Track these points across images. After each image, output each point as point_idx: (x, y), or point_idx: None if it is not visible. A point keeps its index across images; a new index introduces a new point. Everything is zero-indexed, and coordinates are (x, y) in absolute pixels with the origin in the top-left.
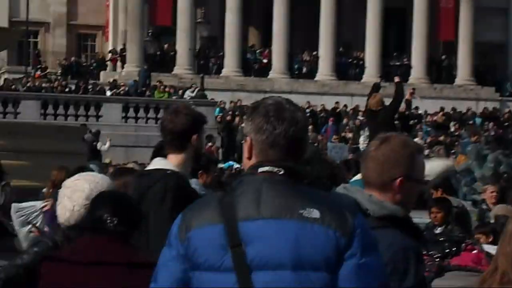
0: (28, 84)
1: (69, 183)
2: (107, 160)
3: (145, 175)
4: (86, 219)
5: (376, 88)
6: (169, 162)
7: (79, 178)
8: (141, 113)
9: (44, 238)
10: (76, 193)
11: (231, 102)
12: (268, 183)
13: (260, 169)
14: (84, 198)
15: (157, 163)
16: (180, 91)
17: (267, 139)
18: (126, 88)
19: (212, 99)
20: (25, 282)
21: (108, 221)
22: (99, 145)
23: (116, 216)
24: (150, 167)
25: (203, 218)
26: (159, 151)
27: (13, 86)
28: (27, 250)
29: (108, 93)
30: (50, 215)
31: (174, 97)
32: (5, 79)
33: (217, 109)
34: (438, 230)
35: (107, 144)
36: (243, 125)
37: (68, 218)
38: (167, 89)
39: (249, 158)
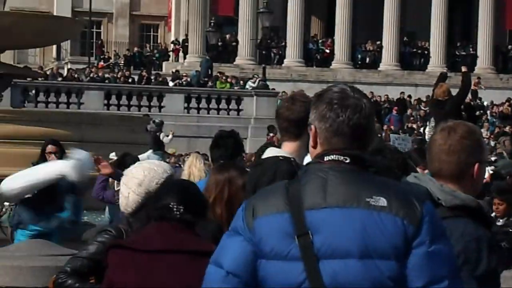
0: (91, 75)
1: (127, 170)
2: (170, 150)
3: (258, 164)
4: (152, 207)
5: (442, 77)
6: (282, 150)
7: (137, 166)
8: (203, 103)
9: (108, 227)
10: (131, 180)
11: (292, 92)
12: (334, 171)
13: (326, 158)
14: (137, 184)
15: (271, 152)
16: (242, 82)
17: (330, 127)
18: (188, 79)
19: (273, 89)
20: (91, 272)
21: (174, 209)
22: (161, 136)
23: (182, 205)
24: (264, 156)
25: (269, 206)
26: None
27: (76, 76)
28: (92, 240)
29: (171, 83)
30: (102, 185)
31: (235, 88)
32: (68, 69)
33: (279, 100)
34: (500, 222)
35: (170, 136)
36: None
37: (125, 205)
38: (228, 80)
39: (314, 147)
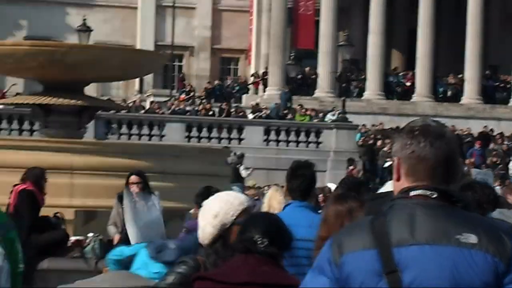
0: (172, 107)
1: (205, 202)
2: (250, 183)
3: (377, 198)
4: (236, 240)
5: None
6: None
7: (215, 197)
8: (282, 136)
9: (186, 259)
10: (207, 212)
11: (372, 125)
12: (421, 207)
13: (412, 193)
14: (213, 216)
15: (391, 186)
16: (321, 114)
17: (412, 153)
18: (268, 111)
19: (351, 122)
20: None
21: (259, 242)
22: (241, 168)
23: (266, 237)
24: (382, 189)
25: (356, 242)
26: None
27: (158, 109)
28: (171, 271)
29: (250, 116)
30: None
31: (315, 120)
32: (151, 102)
33: (358, 134)
34: None
35: (249, 171)
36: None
37: (202, 237)
38: (308, 112)
39: (398, 179)
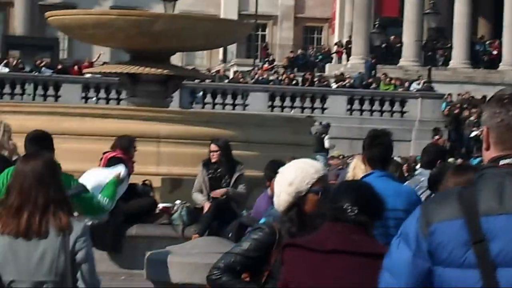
0: (256, 77)
1: (281, 169)
2: (335, 153)
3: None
4: (327, 208)
5: None
6: None
7: (290, 165)
8: (366, 105)
9: (262, 225)
10: (282, 179)
11: (458, 94)
12: (511, 176)
13: (502, 162)
14: (288, 184)
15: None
16: (406, 83)
17: (501, 121)
18: (351, 81)
19: (436, 91)
20: (244, 269)
21: (349, 210)
22: (325, 138)
23: (357, 206)
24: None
25: (443, 212)
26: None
27: (241, 79)
28: (246, 237)
29: (334, 85)
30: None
31: (399, 90)
32: (234, 72)
33: (444, 103)
34: None
35: (332, 144)
36: (471, 118)
37: (277, 204)
38: (392, 81)
39: (487, 148)
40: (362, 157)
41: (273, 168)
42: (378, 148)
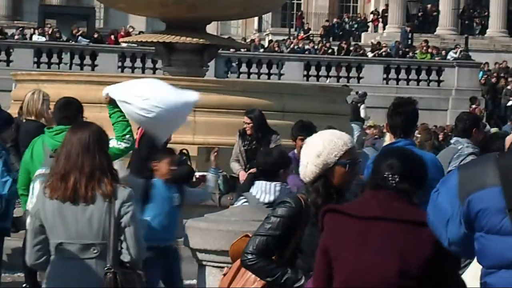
0: (291, 46)
1: (308, 139)
2: (370, 122)
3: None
4: (369, 176)
5: None
6: None
7: (318, 136)
8: (403, 74)
9: (286, 198)
10: (311, 150)
11: (495, 63)
12: None
13: None
14: (316, 155)
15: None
16: (443, 52)
17: None
18: (388, 49)
19: (473, 60)
20: (275, 247)
21: (390, 178)
22: (361, 108)
23: (398, 174)
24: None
25: (481, 180)
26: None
27: (277, 48)
28: (271, 214)
29: (370, 54)
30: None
31: (436, 58)
32: (269, 41)
33: (481, 72)
34: None
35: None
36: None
37: (303, 174)
38: (429, 50)
39: None
40: (385, 125)
41: (301, 129)
42: (400, 117)
